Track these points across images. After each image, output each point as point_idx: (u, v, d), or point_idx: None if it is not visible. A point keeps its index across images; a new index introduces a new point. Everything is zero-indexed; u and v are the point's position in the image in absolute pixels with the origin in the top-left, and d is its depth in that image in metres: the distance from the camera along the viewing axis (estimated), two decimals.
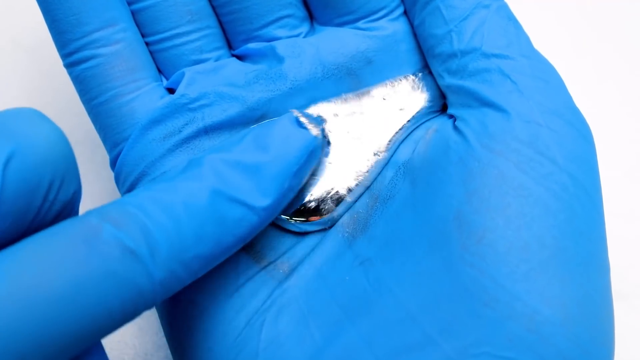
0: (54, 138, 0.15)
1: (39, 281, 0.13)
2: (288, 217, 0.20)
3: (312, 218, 0.20)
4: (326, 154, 0.20)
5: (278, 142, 0.18)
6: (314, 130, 0.19)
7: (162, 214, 0.15)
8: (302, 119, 0.19)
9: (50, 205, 0.15)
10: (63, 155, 0.15)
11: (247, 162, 0.17)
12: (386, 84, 0.21)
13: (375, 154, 0.21)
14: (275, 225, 0.20)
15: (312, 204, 0.20)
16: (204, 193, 0.16)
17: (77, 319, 0.13)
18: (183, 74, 0.21)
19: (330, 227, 0.20)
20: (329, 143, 0.20)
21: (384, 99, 0.21)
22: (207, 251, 0.16)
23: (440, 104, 0.21)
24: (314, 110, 0.21)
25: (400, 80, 0.21)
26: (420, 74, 0.21)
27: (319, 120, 0.20)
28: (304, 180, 0.19)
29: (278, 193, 0.17)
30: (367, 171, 0.20)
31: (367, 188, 0.20)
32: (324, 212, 0.20)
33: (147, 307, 0.15)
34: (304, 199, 0.20)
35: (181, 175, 0.17)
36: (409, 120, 0.21)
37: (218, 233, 0.16)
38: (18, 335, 0.12)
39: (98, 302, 0.13)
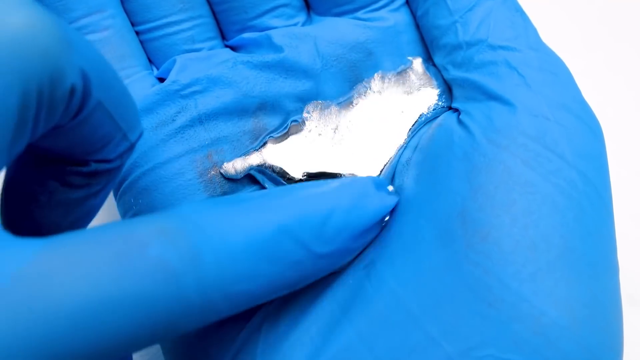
0: (25, 26, 0.12)
1: (62, 291, 0.11)
2: None
3: None
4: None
5: (355, 195, 0.17)
6: (392, 198, 0.18)
7: (220, 242, 0.14)
8: (389, 188, 0.18)
9: (47, 110, 0.13)
10: (38, 47, 0.12)
11: (320, 203, 0.16)
12: (392, 79, 0.20)
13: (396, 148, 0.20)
14: None
15: None
16: (270, 227, 0.15)
17: (98, 338, 0.12)
18: (174, 62, 0.20)
19: None
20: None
21: (387, 95, 0.20)
22: (255, 289, 0.14)
23: (448, 98, 0.20)
24: (326, 104, 0.20)
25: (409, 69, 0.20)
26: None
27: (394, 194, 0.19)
28: (363, 247, 0.18)
29: (340, 245, 0.16)
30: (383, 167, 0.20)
31: None
32: None
33: (177, 334, 0.13)
34: None
35: (253, 202, 0.15)
36: (421, 115, 0.20)
37: (272, 273, 0.15)
38: (32, 346, 0.11)
39: (125, 322, 0.12)
